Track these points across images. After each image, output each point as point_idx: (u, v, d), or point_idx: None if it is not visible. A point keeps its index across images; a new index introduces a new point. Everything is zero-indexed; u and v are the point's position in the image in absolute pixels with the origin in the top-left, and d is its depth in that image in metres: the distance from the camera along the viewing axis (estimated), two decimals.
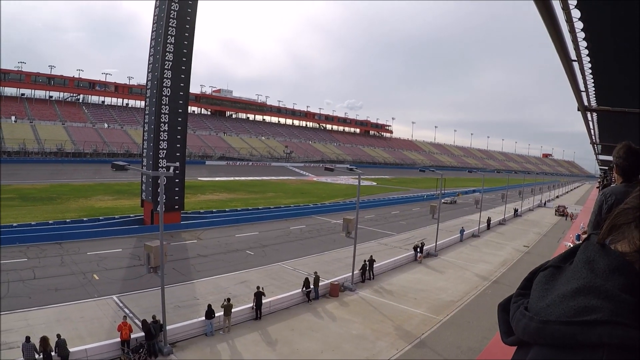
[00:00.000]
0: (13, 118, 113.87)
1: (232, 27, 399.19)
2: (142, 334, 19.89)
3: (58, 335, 18.35)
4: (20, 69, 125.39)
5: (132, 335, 19.67)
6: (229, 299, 23.06)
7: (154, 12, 45.49)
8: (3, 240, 35.73)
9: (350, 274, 30.76)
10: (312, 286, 27.64)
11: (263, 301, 24.54)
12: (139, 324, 21.38)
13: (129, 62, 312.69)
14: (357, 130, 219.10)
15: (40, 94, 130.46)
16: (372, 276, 32.81)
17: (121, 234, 41.82)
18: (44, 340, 17.81)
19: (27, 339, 17.73)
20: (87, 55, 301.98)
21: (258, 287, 24.68)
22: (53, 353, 17.90)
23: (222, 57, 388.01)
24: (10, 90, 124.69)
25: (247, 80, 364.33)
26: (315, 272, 28.82)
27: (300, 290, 27.44)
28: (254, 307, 24.20)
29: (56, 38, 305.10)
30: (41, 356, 17.66)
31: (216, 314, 22.18)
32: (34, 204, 54.85)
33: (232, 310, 22.84)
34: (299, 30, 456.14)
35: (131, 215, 48.55)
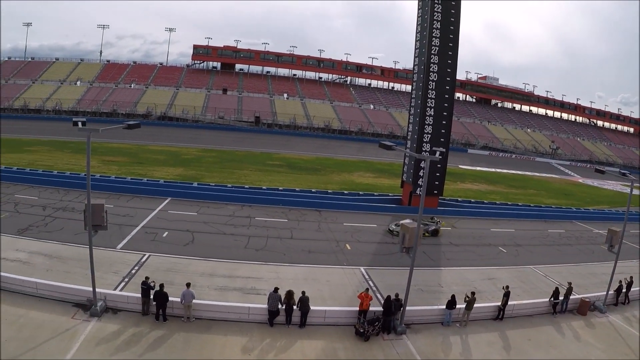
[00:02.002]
0: (285, 95, 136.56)
1: (497, 10, 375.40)
2: (381, 308, 20.42)
3: (303, 292, 20.08)
4: (292, 53, 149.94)
5: (371, 308, 20.35)
6: (473, 293, 22.36)
7: None
8: (269, 200, 41.96)
9: (604, 293, 26.97)
10: (561, 297, 25.09)
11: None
12: (380, 298, 22.08)
13: (393, 46, 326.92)
14: (631, 130, 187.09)
15: (310, 75, 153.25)
16: (627, 300, 28.10)
17: (378, 211, 43.98)
18: (290, 294, 19.70)
19: (275, 289, 19.89)
20: (354, 40, 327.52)
21: (507, 287, 23.45)
22: (295, 307, 19.70)
23: (487, 42, 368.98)
24: (282, 71, 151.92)
25: (513, 67, 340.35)
26: (570, 283, 25.97)
27: (547, 299, 25.16)
28: (501, 306, 23.09)
29: (324, 25, 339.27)
30: (283, 307, 19.65)
31: (457, 306, 21.73)
32: (300, 172, 62.43)
33: (474, 305, 22.05)
34: (569, 13, 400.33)
35: (390, 194, 51.11)
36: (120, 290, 21.54)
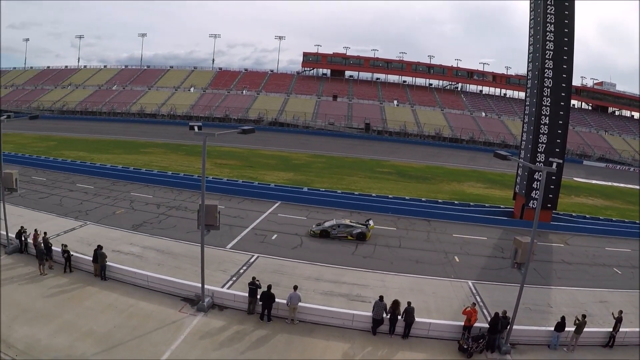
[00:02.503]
0: (395, 102, 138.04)
1: (612, 10, 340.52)
2: (486, 325, 20.00)
3: (408, 303, 20.11)
4: (401, 59, 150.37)
5: (476, 324, 19.97)
6: (584, 316, 21.00)
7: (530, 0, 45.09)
8: (378, 208, 42.55)
9: None
10: None
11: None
12: (486, 314, 21.73)
13: (505, 51, 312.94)
14: None
15: (420, 81, 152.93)
16: None
17: (488, 223, 42.75)
18: (396, 304, 19.91)
19: (381, 298, 20.18)
20: (464, 46, 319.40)
21: (620, 312, 21.84)
22: (400, 317, 19.80)
23: (602, 45, 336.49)
24: (392, 78, 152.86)
25: (631, 72, 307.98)
26: None
27: None
28: (613, 333, 21.47)
29: (433, 30, 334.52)
30: (388, 316, 19.83)
31: (566, 329, 20.60)
32: (409, 181, 62.17)
33: (584, 329, 20.78)
34: None
35: (501, 206, 49.40)
36: (228, 288, 22.95)
